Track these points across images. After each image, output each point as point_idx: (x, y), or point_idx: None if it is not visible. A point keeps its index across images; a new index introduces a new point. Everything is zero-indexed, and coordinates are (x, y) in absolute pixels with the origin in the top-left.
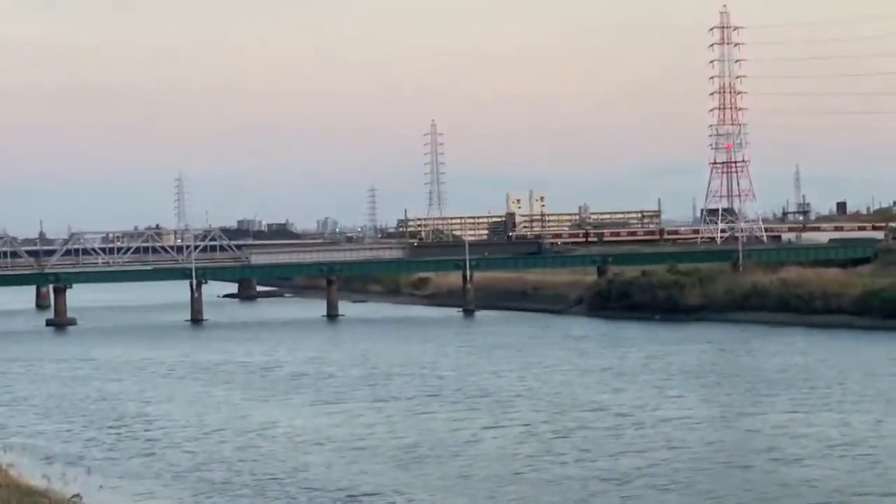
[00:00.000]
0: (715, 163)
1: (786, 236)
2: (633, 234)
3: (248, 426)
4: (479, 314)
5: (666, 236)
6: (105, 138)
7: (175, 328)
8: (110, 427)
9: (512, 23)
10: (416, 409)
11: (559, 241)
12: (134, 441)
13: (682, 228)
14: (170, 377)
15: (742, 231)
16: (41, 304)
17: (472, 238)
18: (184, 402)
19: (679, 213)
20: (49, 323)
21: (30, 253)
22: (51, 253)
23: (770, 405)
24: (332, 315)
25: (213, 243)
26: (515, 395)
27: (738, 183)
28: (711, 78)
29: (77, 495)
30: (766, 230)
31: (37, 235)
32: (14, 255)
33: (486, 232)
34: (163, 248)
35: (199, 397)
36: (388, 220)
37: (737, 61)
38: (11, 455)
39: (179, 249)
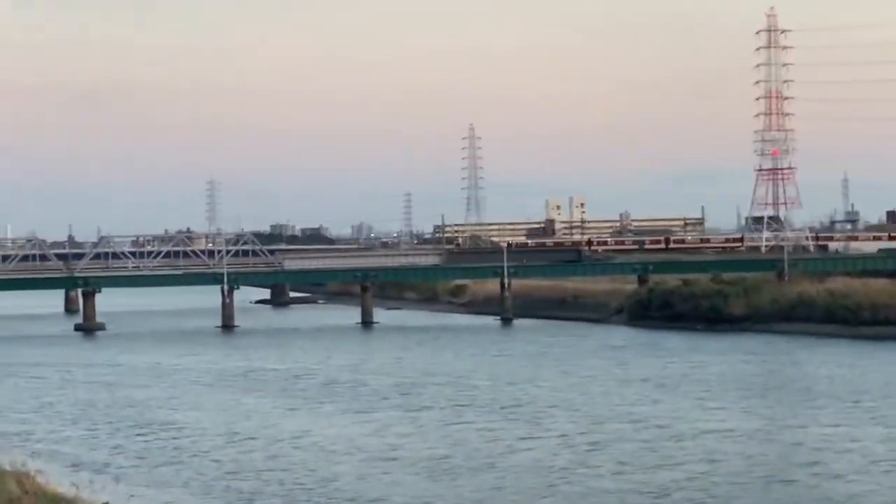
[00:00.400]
0: (761, 169)
1: (832, 245)
2: (640, 243)
3: (279, 435)
4: (517, 322)
5: (672, 245)
6: (135, 140)
7: (205, 334)
8: (138, 434)
9: (578, 18)
10: (450, 419)
11: (597, 248)
12: (162, 449)
13: (690, 237)
14: (199, 384)
15: (786, 240)
16: (70, 309)
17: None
18: (213, 410)
19: (723, 220)
20: (77, 328)
21: (59, 256)
22: (80, 256)
23: (814, 418)
24: (366, 322)
25: (245, 248)
26: (552, 406)
27: (784, 190)
28: (757, 82)
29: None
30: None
31: (66, 239)
32: (43, 258)
33: (524, 238)
34: (194, 252)
35: (229, 405)
36: (425, 226)
37: (784, 65)
38: (39, 461)
39: (211, 254)
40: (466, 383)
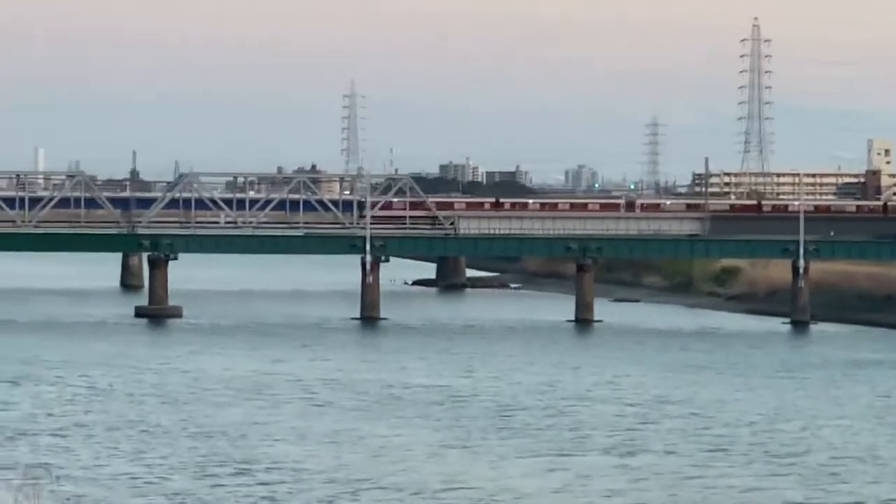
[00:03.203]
0: None
1: None
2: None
3: (422, 482)
4: (817, 328)
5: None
6: (237, 37)
7: (333, 329)
8: (211, 475)
9: None
10: (688, 470)
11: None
12: (247, 498)
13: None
14: (311, 403)
15: None
16: (129, 283)
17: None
18: (327, 443)
19: None
20: (140, 312)
21: (115, 202)
22: (147, 203)
23: None
24: (581, 320)
25: (400, 199)
26: (849, 457)
27: None
28: None
29: None
30: None
31: (127, 175)
32: (91, 203)
33: (833, 198)
34: (321, 202)
35: (351, 436)
36: (679, 173)
37: None
38: None
39: (347, 206)
40: (722, 418)
